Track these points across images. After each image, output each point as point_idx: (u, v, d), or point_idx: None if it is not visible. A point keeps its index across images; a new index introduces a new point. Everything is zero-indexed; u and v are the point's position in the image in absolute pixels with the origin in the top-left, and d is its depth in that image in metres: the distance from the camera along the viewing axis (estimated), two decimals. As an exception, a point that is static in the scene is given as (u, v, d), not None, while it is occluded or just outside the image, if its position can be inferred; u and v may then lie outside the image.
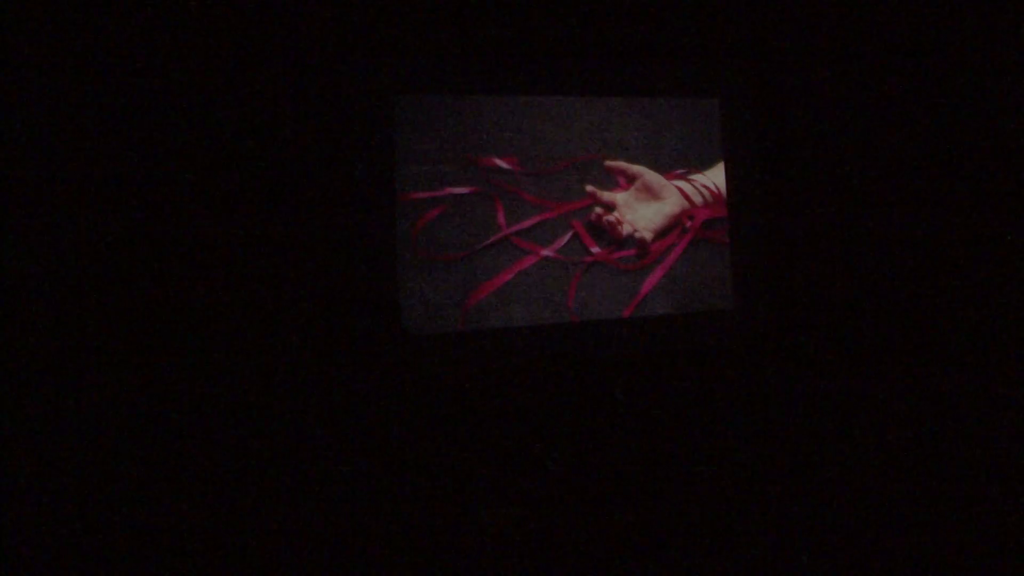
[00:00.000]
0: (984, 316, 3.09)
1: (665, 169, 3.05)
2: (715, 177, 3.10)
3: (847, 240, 3.11)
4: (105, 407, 2.40)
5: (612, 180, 2.99)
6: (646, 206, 2.99)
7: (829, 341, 3.07)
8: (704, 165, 3.10)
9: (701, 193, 3.07)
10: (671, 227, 3.03)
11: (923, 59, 3.18)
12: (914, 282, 3.12)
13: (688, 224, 3.04)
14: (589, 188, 2.92)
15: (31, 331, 2.35)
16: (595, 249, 2.92)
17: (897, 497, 2.40)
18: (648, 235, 2.97)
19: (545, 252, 2.87)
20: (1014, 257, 3.08)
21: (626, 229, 2.95)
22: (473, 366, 2.79)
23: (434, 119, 2.84)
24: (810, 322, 3.08)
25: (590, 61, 2.98)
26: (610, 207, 2.94)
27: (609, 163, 2.93)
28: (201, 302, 2.54)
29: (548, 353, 2.88)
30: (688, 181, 3.06)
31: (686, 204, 3.04)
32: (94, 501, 2.29)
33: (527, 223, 2.88)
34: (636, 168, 2.98)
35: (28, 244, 2.38)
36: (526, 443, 2.69)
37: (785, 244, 3.10)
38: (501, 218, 2.86)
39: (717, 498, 2.46)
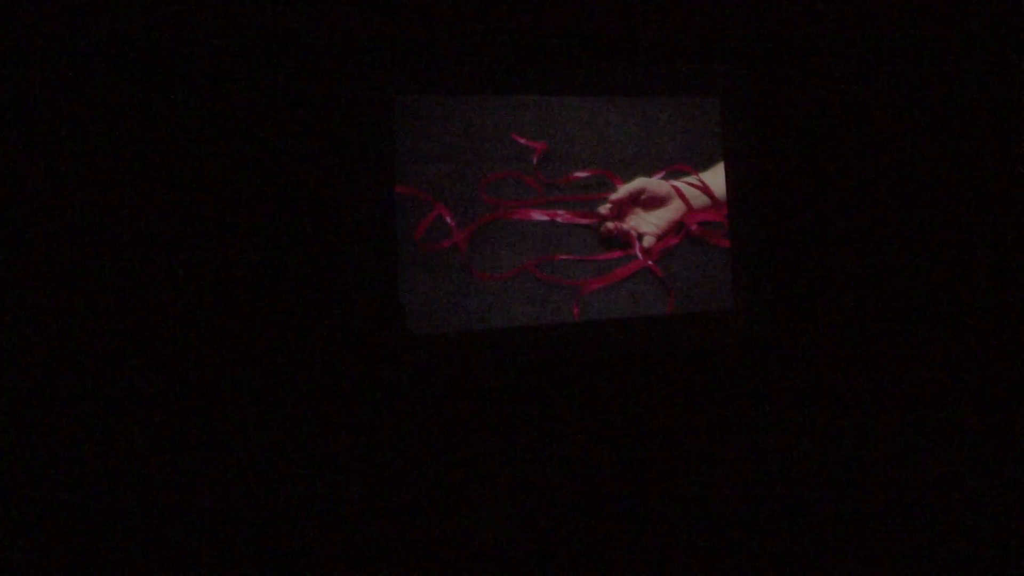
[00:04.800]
0: (985, 315, 3.09)
1: (664, 169, 3.06)
2: (715, 177, 3.11)
3: (847, 240, 3.12)
4: (104, 408, 2.40)
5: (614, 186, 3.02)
6: (649, 212, 3.04)
7: (829, 341, 3.07)
8: (704, 165, 3.10)
9: (698, 195, 3.09)
10: (672, 230, 3.06)
11: (923, 58, 3.18)
12: (914, 281, 3.12)
13: (692, 228, 3.07)
14: (609, 201, 2.99)
15: (31, 331, 2.35)
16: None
17: (897, 496, 2.40)
18: (654, 240, 3.05)
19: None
20: (1014, 257, 3.09)
21: (645, 241, 3.05)
22: (473, 366, 2.79)
23: (434, 119, 2.84)
24: (810, 322, 3.08)
25: (590, 61, 2.98)
26: (618, 218, 3.03)
27: (613, 197, 3.00)
28: (202, 302, 2.54)
29: (549, 353, 2.88)
30: (685, 183, 3.08)
31: (685, 208, 3.07)
32: (93, 503, 2.29)
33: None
34: (636, 185, 3.02)
35: (28, 244, 2.38)
36: (526, 443, 2.69)
37: (785, 244, 3.10)
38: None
39: (716, 497, 2.47)
